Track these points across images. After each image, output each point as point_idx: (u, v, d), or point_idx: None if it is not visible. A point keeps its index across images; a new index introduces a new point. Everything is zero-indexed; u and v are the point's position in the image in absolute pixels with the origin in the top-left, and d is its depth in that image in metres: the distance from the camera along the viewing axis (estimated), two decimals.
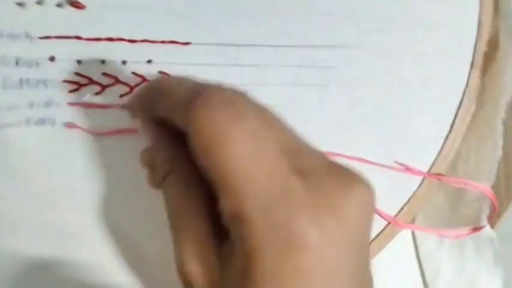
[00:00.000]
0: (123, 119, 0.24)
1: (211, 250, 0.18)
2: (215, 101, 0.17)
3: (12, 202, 0.24)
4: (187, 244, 0.19)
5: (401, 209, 0.26)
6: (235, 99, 0.17)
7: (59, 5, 0.24)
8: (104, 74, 0.24)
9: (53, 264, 0.25)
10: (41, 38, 0.24)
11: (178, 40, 0.25)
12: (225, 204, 0.17)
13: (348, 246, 0.17)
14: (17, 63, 0.24)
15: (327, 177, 0.17)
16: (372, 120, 0.27)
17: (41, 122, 0.24)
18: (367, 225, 0.18)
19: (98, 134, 0.25)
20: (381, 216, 0.27)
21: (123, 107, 0.24)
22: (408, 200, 0.26)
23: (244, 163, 0.16)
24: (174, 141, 0.20)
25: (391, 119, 0.27)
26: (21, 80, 0.24)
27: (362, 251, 0.17)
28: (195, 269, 0.18)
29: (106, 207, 0.25)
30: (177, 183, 0.20)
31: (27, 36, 0.24)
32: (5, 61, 0.24)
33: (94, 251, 0.25)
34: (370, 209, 0.18)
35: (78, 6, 0.24)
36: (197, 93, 0.17)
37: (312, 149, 0.19)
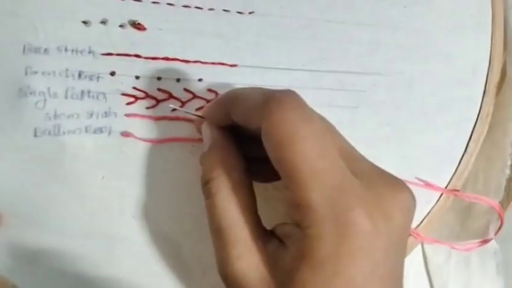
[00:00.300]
0: (174, 130, 0.26)
1: (260, 248, 0.20)
2: (287, 104, 0.19)
3: (63, 204, 0.25)
4: (236, 243, 0.20)
5: (421, 222, 0.28)
6: (303, 104, 0.19)
7: (121, 26, 0.26)
8: (159, 89, 0.26)
9: (97, 265, 0.26)
10: (103, 54, 0.25)
11: (226, 62, 0.27)
12: (292, 195, 0.19)
13: (391, 240, 0.18)
14: (79, 75, 0.25)
15: (377, 180, 0.19)
16: (396, 140, 0.29)
17: (99, 130, 0.26)
18: (407, 227, 0.20)
19: (151, 142, 0.26)
20: None
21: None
22: (427, 214, 0.28)
23: (312, 158, 0.18)
24: (232, 148, 0.22)
25: (413, 139, 0.29)
26: (82, 92, 0.25)
27: (400, 249, 0.19)
28: (246, 266, 0.20)
29: (152, 211, 0.26)
30: (225, 186, 0.21)
31: (91, 51, 0.25)
32: (69, 73, 0.25)
33: (139, 253, 0.26)
34: (411, 213, 0.20)
35: (139, 28, 0.26)
36: (270, 97, 0.19)
37: (361, 155, 0.21)
